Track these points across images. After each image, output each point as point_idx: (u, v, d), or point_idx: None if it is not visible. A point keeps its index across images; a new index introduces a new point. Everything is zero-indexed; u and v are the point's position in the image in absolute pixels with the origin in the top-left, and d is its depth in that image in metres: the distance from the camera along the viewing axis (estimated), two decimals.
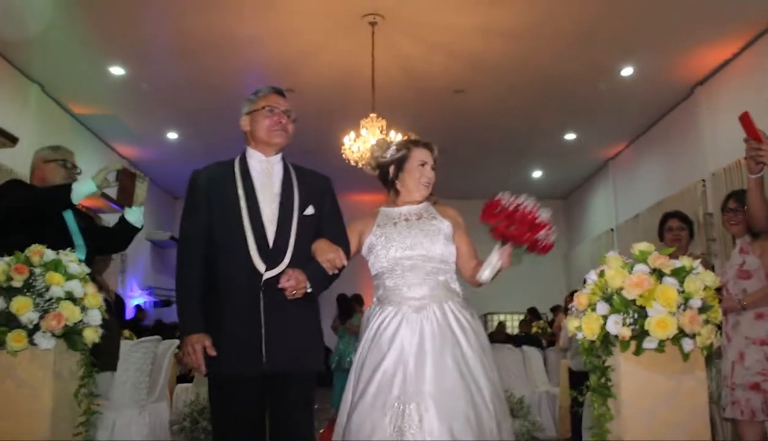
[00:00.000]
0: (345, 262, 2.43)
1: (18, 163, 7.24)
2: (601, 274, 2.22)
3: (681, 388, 2.13)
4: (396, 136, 7.28)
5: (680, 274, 2.15)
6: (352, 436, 2.39)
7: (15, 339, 2.17)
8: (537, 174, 11.95)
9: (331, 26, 6.78)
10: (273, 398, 2.40)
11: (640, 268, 2.16)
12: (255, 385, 2.35)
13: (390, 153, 2.81)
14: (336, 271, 2.43)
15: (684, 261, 2.19)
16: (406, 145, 2.81)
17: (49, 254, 2.29)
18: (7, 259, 2.25)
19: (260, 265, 2.35)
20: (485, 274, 2.60)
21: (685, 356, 2.10)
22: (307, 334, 2.45)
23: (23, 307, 2.17)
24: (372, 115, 7.05)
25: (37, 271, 2.24)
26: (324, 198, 2.57)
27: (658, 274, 2.15)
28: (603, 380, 2.21)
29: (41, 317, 2.19)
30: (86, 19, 6.50)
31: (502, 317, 11.96)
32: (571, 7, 6.32)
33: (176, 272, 2.44)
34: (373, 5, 6.41)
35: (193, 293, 2.36)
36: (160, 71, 7.67)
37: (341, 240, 2.54)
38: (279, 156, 2.56)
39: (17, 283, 2.20)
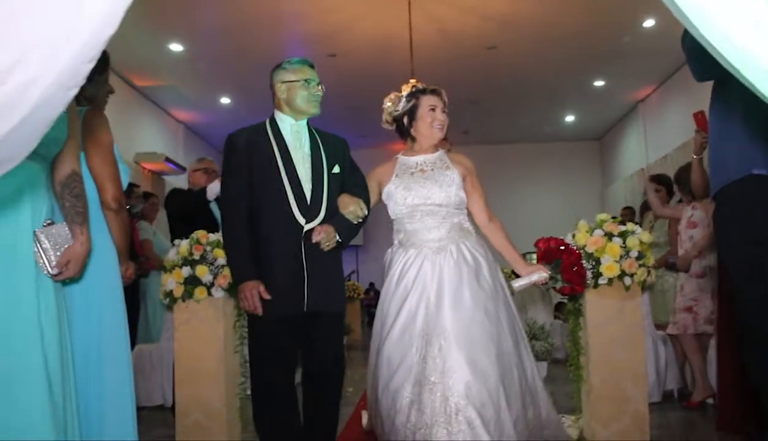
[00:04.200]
0: (366, 212, 2.84)
1: None
2: (573, 236, 3.58)
3: (624, 308, 3.52)
4: None
5: (625, 235, 3.51)
6: (383, 367, 2.80)
7: (199, 292, 3.65)
8: (570, 118, 12.93)
9: None
10: (311, 333, 2.82)
11: (597, 232, 3.51)
12: (296, 323, 2.77)
13: (401, 105, 3.13)
14: (360, 220, 2.82)
15: (628, 226, 3.53)
16: (415, 95, 3.12)
17: (212, 237, 3.73)
18: (187, 240, 3.71)
19: (300, 219, 2.74)
20: (518, 285, 3.17)
21: (626, 288, 3.48)
22: (337, 279, 2.89)
23: (203, 272, 3.64)
24: (411, 80, 8.23)
25: (208, 248, 3.69)
26: (344, 158, 2.94)
27: (609, 235, 3.50)
28: (576, 305, 3.62)
29: (214, 278, 3.66)
30: (147, 2, 7.51)
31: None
32: None
33: (223, 230, 2.90)
34: None
35: (241, 246, 2.75)
36: (214, 45, 8.89)
37: (363, 193, 2.92)
38: (305, 120, 2.91)
39: (197, 256, 3.67)
